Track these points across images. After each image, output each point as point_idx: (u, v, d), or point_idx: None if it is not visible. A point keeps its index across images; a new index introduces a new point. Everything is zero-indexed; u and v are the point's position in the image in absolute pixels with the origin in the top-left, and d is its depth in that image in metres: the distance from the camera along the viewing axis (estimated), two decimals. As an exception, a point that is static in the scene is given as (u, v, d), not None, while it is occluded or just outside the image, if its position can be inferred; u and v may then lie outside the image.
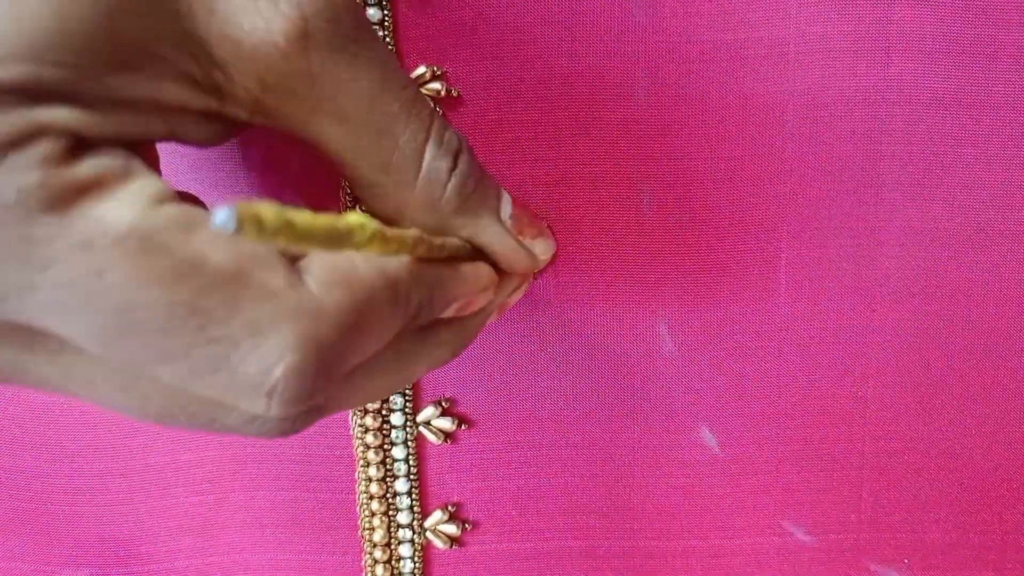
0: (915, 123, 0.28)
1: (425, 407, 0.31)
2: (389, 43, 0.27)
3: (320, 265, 0.17)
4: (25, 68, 0.15)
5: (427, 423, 0.31)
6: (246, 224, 0.13)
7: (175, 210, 0.16)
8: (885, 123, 0.28)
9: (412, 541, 0.32)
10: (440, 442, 0.31)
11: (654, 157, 0.29)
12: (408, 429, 0.31)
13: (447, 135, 0.20)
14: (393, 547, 0.32)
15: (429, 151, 0.20)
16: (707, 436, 0.31)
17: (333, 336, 0.17)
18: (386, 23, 0.27)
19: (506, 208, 0.22)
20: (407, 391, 0.31)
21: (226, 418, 0.18)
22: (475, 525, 0.32)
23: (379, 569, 0.32)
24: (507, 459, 0.32)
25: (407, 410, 0.31)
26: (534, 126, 0.28)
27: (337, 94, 0.18)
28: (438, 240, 0.20)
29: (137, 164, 0.17)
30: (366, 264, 0.18)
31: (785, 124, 0.28)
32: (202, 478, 0.32)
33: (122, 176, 0.16)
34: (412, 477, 0.32)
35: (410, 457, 0.31)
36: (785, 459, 0.32)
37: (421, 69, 0.27)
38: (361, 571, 0.33)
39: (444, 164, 0.20)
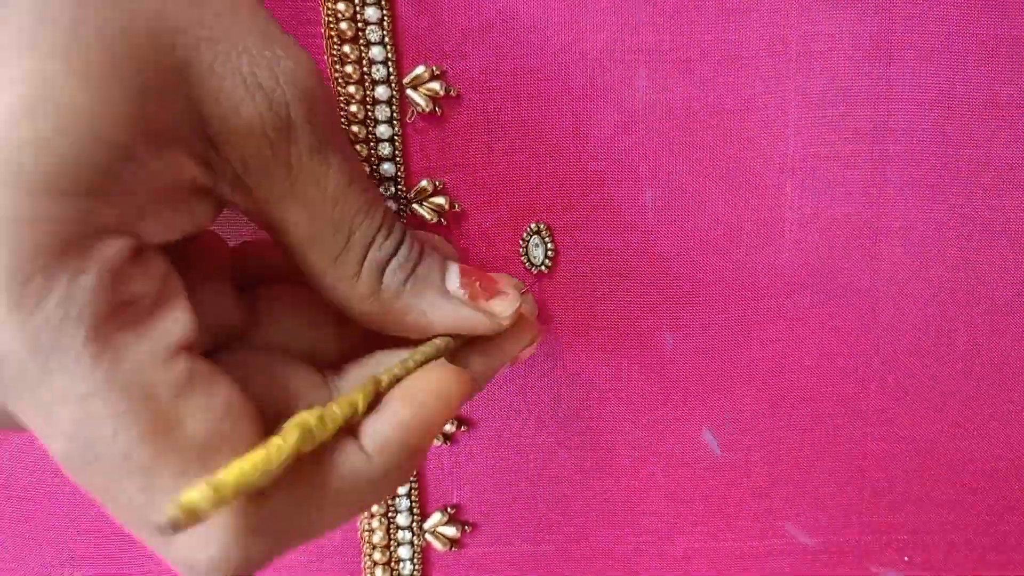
0: (918, 122, 0.28)
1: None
2: (388, 43, 0.27)
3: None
4: (74, 164, 0.16)
5: (426, 425, 0.31)
6: (184, 520, 0.15)
7: (181, 370, 0.18)
8: (888, 122, 0.28)
9: (411, 543, 0.32)
10: (439, 443, 0.31)
11: (654, 157, 0.29)
12: (407, 431, 0.31)
13: (394, 230, 0.22)
14: (392, 549, 0.32)
15: (375, 246, 0.22)
16: (708, 438, 0.31)
17: (267, 541, 0.18)
18: (385, 23, 0.27)
19: (452, 280, 0.23)
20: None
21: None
22: (474, 527, 0.32)
23: (378, 571, 0.32)
24: (507, 461, 0.32)
25: (406, 412, 0.31)
26: (534, 126, 0.28)
27: (307, 187, 0.20)
28: (393, 371, 0.22)
29: (171, 291, 0.18)
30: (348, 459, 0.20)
31: (787, 123, 0.28)
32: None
33: (152, 310, 0.18)
34: (411, 479, 0.31)
35: (409, 459, 0.31)
36: (786, 461, 0.32)
37: (420, 69, 0.27)
38: (360, 572, 0.33)
39: (384, 255, 0.22)
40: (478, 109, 0.28)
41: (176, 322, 0.18)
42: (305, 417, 0.18)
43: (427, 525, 0.32)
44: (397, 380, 0.22)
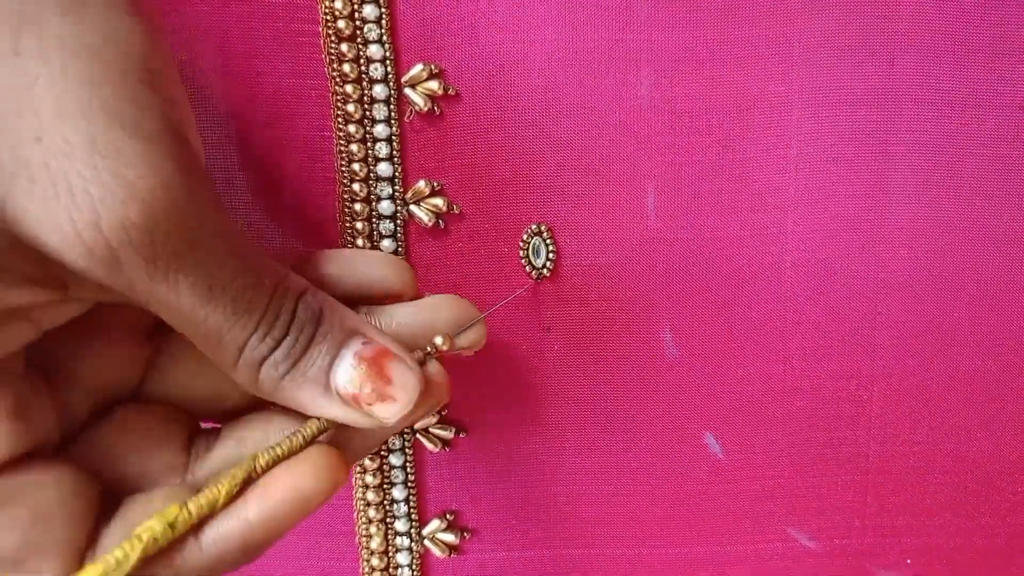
0: (922, 122, 0.28)
1: (423, 413, 0.31)
2: (386, 41, 0.26)
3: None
4: None
5: (424, 430, 0.31)
6: None
7: None
8: (892, 122, 0.28)
9: (410, 549, 0.32)
10: (438, 449, 0.31)
11: (656, 157, 0.28)
12: (405, 436, 0.31)
13: (276, 324, 0.21)
14: (391, 555, 0.32)
15: (248, 347, 0.21)
16: (711, 442, 0.31)
17: None
18: (384, 21, 0.26)
19: (341, 375, 0.22)
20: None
21: None
22: (474, 533, 0.32)
23: (376, 577, 0.32)
24: (506, 466, 0.31)
25: (405, 416, 0.30)
26: (533, 125, 0.28)
27: (159, 305, 0.19)
28: (270, 454, 0.21)
29: None
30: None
31: (791, 124, 0.28)
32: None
33: None
34: (410, 485, 0.31)
35: (407, 464, 0.31)
36: (789, 465, 0.31)
37: (419, 67, 0.27)
38: (358, 579, 0.32)
39: (258, 355, 0.21)
40: (477, 109, 0.28)
41: None
42: (151, 525, 0.19)
43: (426, 531, 0.32)
44: (270, 465, 0.21)
